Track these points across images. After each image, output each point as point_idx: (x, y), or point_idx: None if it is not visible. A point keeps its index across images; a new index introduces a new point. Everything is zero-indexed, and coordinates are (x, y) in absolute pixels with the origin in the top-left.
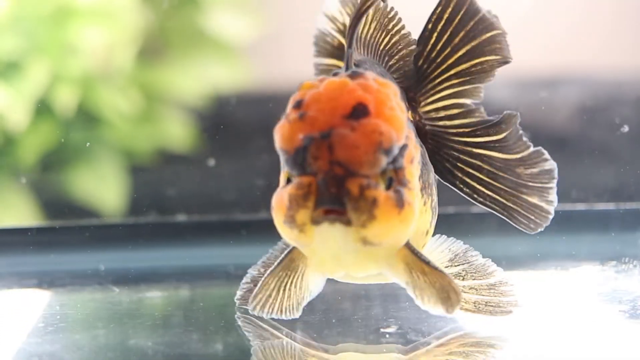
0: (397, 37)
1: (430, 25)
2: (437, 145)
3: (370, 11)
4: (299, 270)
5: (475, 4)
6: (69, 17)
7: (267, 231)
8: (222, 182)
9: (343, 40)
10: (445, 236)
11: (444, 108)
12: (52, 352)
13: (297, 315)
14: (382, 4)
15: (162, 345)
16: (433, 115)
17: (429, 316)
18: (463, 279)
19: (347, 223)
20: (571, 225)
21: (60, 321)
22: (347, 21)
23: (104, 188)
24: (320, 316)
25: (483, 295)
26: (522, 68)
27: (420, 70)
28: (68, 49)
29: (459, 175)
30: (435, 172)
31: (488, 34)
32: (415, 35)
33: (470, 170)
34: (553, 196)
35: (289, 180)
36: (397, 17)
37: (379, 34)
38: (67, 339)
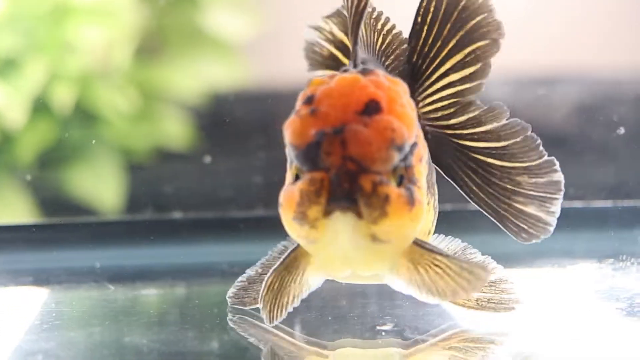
0: (390, 37)
1: (419, 19)
2: (437, 143)
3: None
4: (299, 269)
5: None
6: (67, 15)
7: (263, 228)
8: (218, 179)
9: (333, 49)
10: (444, 235)
11: (442, 108)
12: (47, 349)
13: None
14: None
15: (158, 343)
16: (432, 115)
17: (426, 313)
18: None
19: (359, 215)
20: (569, 223)
21: (56, 319)
22: (334, 29)
23: (101, 186)
24: (316, 313)
25: (484, 292)
26: (520, 66)
27: (415, 67)
28: (66, 47)
29: (459, 172)
30: (437, 166)
31: (475, 19)
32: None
33: (468, 171)
34: (556, 207)
35: (297, 177)
36: (383, 17)
37: (371, 35)
38: (63, 336)
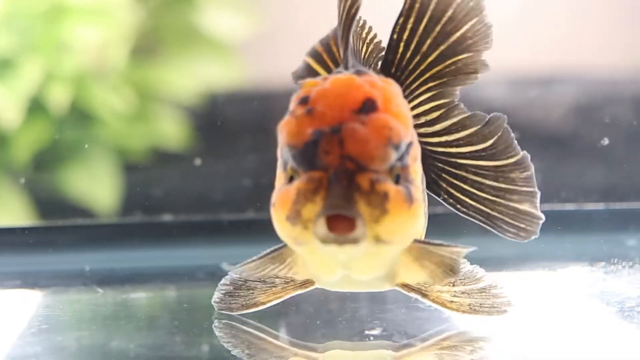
0: (372, 47)
1: (395, 36)
2: (421, 156)
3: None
4: (285, 265)
5: (439, 7)
6: (62, 15)
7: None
8: (211, 180)
9: (323, 72)
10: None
11: (424, 113)
12: (34, 354)
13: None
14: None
15: (145, 347)
16: (414, 121)
17: (416, 318)
18: (454, 285)
19: (354, 241)
20: (560, 226)
21: (43, 323)
22: (326, 56)
23: (96, 186)
24: (304, 318)
25: (476, 298)
26: (514, 67)
27: (394, 78)
28: (61, 47)
29: (444, 185)
30: None
31: (457, 34)
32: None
33: (454, 181)
34: (538, 201)
35: (291, 178)
36: (367, 26)
37: (357, 43)
38: (50, 340)
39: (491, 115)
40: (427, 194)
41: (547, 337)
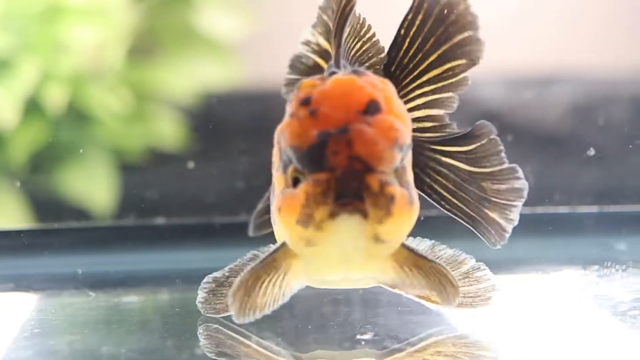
0: (368, 45)
1: (402, 31)
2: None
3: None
4: (279, 272)
5: (447, 7)
6: (59, 15)
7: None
8: (204, 182)
9: (317, 59)
10: (412, 237)
11: (418, 120)
12: (26, 358)
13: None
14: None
15: (136, 352)
16: None
17: (407, 322)
18: None
19: (365, 215)
20: (553, 228)
21: (35, 327)
22: (320, 40)
23: (93, 186)
24: (295, 322)
25: (460, 286)
26: (510, 67)
27: (392, 77)
28: (58, 47)
29: (427, 181)
30: None
31: (459, 37)
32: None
33: (438, 178)
34: (515, 215)
35: (295, 180)
36: (367, 24)
37: (351, 40)
38: (42, 344)
39: (479, 122)
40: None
41: (539, 341)
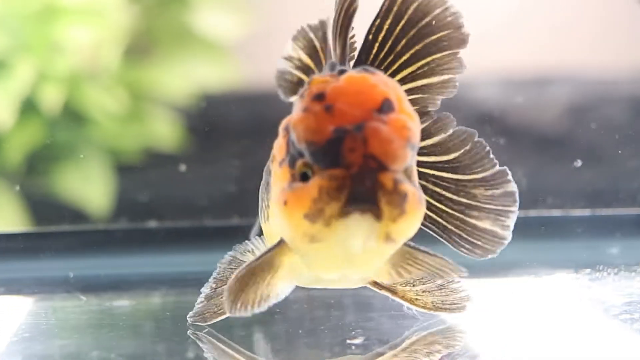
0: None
1: (370, 37)
2: None
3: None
4: (272, 270)
5: (417, 13)
6: (55, 15)
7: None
8: (197, 184)
9: (301, 75)
10: None
11: None
12: None
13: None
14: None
15: (127, 357)
16: None
17: (398, 326)
18: (414, 286)
19: (378, 216)
20: (546, 232)
21: (26, 331)
22: (302, 56)
23: (90, 187)
24: (287, 326)
25: (436, 296)
26: (506, 67)
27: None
28: (54, 48)
29: None
30: None
31: (433, 37)
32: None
33: None
34: (511, 221)
35: (304, 175)
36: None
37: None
38: (31, 349)
39: (456, 128)
40: None
41: (532, 344)
